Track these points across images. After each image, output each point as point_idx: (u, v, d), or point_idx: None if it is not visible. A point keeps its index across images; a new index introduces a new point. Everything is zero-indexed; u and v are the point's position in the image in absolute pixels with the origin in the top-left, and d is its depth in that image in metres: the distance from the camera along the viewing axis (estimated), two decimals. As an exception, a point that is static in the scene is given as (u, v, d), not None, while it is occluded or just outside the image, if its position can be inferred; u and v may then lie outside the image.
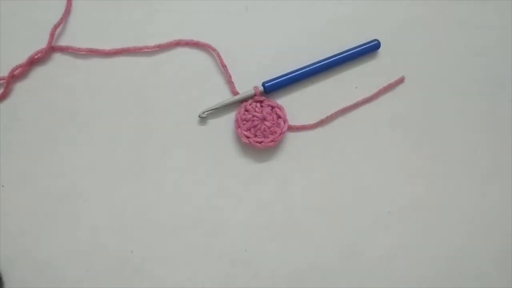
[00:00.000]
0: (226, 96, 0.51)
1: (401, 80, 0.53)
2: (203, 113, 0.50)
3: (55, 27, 0.50)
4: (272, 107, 0.50)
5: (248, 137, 0.50)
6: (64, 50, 0.51)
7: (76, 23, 0.51)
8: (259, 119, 0.50)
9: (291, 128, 0.51)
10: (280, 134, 0.50)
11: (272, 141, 0.50)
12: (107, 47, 0.51)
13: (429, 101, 0.53)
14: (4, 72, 0.50)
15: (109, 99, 0.50)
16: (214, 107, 0.50)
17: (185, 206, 0.50)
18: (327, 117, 0.51)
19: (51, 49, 0.50)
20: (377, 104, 0.52)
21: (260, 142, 0.50)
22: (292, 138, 0.51)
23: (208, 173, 0.50)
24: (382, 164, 0.51)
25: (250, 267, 0.49)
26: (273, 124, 0.50)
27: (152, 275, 0.49)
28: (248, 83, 0.51)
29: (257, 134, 0.50)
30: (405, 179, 0.51)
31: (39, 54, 0.50)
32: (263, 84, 0.51)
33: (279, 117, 0.50)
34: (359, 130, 0.52)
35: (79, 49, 0.50)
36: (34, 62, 0.50)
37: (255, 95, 0.50)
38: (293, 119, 0.51)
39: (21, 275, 0.48)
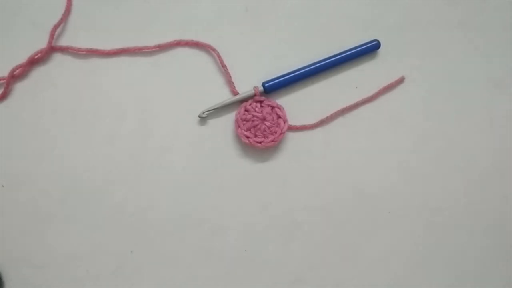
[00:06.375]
0: (226, 96, 0.51)
1: (401, 80, 0.53)
2: (203, 113, 0.50)
3: (55, 27, 0.50)
4: (272, 107, 0.50)
5: (248, 137, 0.50)
6: (64, 50, 0.51)
7: (76, 23, 0.51)
8: (259, 119, 0.50)
9: (291, 128, 0.51)
10: (280, 134, 0.50)
11: (272, 141, 0.50)
12: (107, 47, 0.51)
13: (429, 101, 0.53)
14: (4, 72, 0.50)
15: (109, 99, 0.50)
16: (214, 107, 0.50)
17: (185, 206, 0.50)
18: (327, 117, 0.51)
19: (51, 49, 0.50)
20: (377, 104, 0.52)
21: (260, 142, 0.50)
22: (292, 138, 0.51)
23: (208, 173, 0.50)
24: (382, 164, 0.51)
25: (250, 267, 0.49)
26: (273, 124, 0.50)
27: (152, 275, 0.49)
28: (248, 83, 0.51)
29: (257, 134, 0.50)
30: (405, 179, 0.51)
31: (39, 54, 0.50)
32: (263, 84, 0.51)
33: (279, 117, 0.50)
34: (359, 130, 0.52)
35: (79, 49, 0.50)
36: (34, 62, 0.50)
37: (255, 95, 0.50)
38: (293, 119, 0.51)
39: (21, 275, 0.48)
